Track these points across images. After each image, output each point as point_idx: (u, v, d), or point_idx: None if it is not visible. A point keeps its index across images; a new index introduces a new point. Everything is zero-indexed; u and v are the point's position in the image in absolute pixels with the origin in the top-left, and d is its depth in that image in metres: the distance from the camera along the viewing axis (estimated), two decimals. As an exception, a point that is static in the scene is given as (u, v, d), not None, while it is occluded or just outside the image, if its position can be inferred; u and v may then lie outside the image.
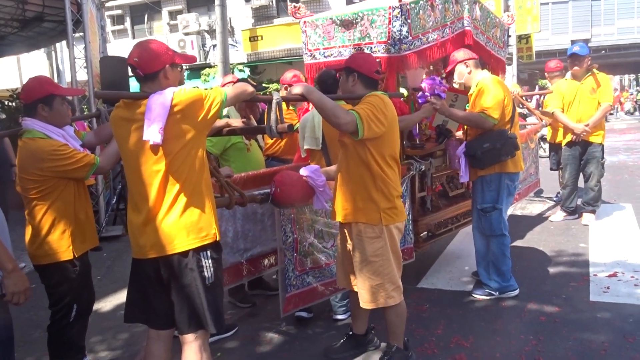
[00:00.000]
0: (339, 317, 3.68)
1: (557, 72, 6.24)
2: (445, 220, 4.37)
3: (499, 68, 4.66)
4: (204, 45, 17.34)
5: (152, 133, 2.11)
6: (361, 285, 2.85)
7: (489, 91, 3.69)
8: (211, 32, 16.61)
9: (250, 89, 2.47)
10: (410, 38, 3.55)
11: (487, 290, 3.90)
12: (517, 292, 3.89)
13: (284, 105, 3.14)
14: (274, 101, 2.48)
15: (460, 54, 3.89)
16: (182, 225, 2.21)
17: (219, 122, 2.64)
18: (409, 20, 3.52)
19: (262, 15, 16.93)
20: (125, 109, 2.26)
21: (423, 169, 3.94)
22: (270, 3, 16.56)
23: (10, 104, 9.43)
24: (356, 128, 2.58)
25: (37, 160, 2.63)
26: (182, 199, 2.21)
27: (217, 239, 2.33)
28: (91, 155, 2.76)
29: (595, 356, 3.00)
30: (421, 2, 3.64)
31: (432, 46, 3.76)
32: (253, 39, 16.32)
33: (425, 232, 4.25)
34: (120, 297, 4.42)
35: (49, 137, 2.69)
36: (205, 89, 2.30)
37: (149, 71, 2.22)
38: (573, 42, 23.40)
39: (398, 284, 2.84)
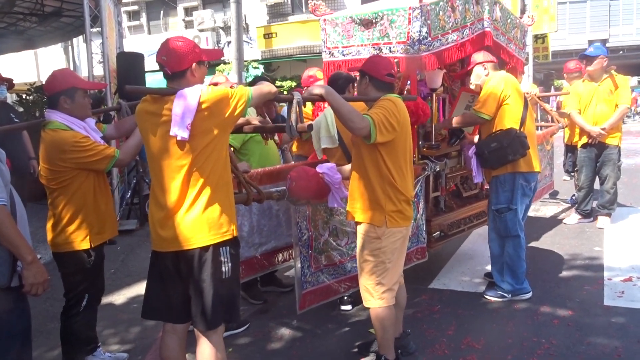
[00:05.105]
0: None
1: (576, 73, 6.18)
2: (458, 221, 4.36)
3: (518, 69, 4.62)
4: (218, 41, 17.41)
5: (180, 129, 2.15)
6: (360, 283, 2.91)
7: (485, 87, 3.80)
8: (226, 28, 16.68)
9: (274, 88, 2.52)
10: (429, 39, 3.54)
11: (500, 292, 3.88)
12: (530, 294, 3.87)
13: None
14: (294, 101, 2.51)
15: (480, 56, 3.90)
16: (204, 220, 2.25)
17: (240, 120, 2.70)
18: (428, 21, 3.50)
19: (276, 13, 16.94)
20: (152, 104, 2.29)
21: (438, 169, 3.94)
22: (285, 0, 16.57)
23: (28, 97, 9.52)
24: (369, 132, 2.61)
25: (59, 152, 2.69)
26: (205, 195, 2.25)
27: (236, 235, 2.37)
28: (111, 148, 2.81)
29: (608, 361, 2.98)
30: (441, 3, 3.62)
31: (451, 47, 3.74)
32: (267, 36, 16.34)
33: (437, 232, 4.25)
34: (134, 290, 4.47)
35: (70, 129, 2.75)
36: (231, 88, 2.33)
37: (177, 69, 2.26)
38: (590, 42, 23.15)
39: (390, 287, 2.84)
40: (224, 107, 2.24)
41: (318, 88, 2.66)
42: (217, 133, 2.25)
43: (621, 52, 27.66)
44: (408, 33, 3.54)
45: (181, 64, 2.25)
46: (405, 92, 3.81)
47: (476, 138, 4.16)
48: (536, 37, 20.83)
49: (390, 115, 2.66)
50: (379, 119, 2.62)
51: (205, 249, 2.26)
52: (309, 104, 4.23)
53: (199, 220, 2.24)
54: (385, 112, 2.65)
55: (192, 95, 2.17)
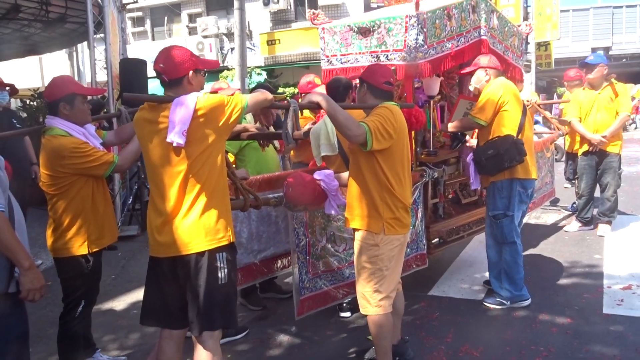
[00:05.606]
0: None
1: (577, 81, 6.19)
2: (457, 227, 4.36)
3: (516, 76, 4.64)
4: (222, 48, 17.50)
5: (176, 135, 2.18)
6: (357, 290, 2.91)
7: (484, 92, 3.80)
8: (229, 35, 16.76)
9: (270, 96, 2.54)
10: (425, 47, 3.56)
11: (499, 300, 3.88)
12: (528, 302, 3.86)
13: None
14: (291, 109, 2.53)
15: (485, 60, 3.89)
16: (201, 226, 2.27)
17: (237, 127, 2.72)
18: (425, 29, 3.53)
19: (280, 19, 17.03)
20: (150, 111, 2.33)
21: (436, 176, 3.95)
22: (289, 7, 16.66)
23: (31, 103, 9.60)
24: (366, 140, 2.62)
25: (59, 157, 2.72)
26: (201, 201, 2.27)
27: (233, 241, 2.38)
28: (110, 154, 2.84)
29: (606, 369, 2.97)
30: (438, 11, 3.65)
31: (447, 55, 3.76)
32: (270, 42, 16.43)
33: (437, 239, 4.25)
34: (134, 296, 4.48)
35: (70, 135, 2.78)
36: (228, 95, 2.36)
37: (174, 77, 2.30)
38: (593, 49, 23.17)
39: (387, 295, 2.84)
40: (219, 114, 2.27)
41: (315, 96, 2.68)
42: (213, 140, 2.27)
43: (624, 60, 27.68)
44: (405, 41, 3.56)
45: (178, 72, 2.29)
46: (402, 99, 3.83)
47: (474, 142, 4.16)
48: (539, 45, 20.86)
49: (387, 122, 2.67)
50: (375, 126, 2.64)
51: (201, 254, 2.28)
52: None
53: (195, 226, 2.26)
54: (382, 120, 2.67)
55: (188, 102, 2.21)
